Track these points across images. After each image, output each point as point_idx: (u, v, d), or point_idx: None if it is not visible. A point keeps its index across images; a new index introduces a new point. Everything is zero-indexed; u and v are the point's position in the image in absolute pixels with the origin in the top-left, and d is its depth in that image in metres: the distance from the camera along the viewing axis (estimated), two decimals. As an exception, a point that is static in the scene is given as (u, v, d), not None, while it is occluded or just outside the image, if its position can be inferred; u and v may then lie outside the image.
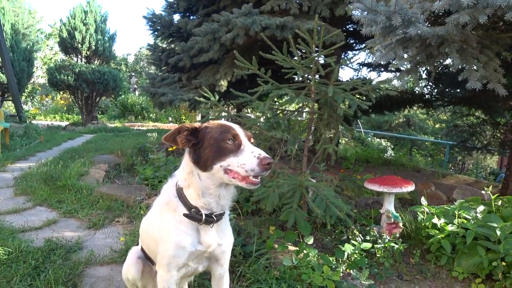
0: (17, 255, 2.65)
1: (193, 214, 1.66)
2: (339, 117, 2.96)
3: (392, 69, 7.75)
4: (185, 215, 1.67)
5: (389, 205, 3.32)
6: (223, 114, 4.11)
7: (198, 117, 18.01)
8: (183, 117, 19.56)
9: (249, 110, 15.44)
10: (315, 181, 3.14)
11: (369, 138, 15.42)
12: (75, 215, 3.74)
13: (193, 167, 1.64)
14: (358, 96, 3.30)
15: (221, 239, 1.77)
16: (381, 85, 3.08)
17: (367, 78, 6.69)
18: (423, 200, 3.33)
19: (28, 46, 15.28)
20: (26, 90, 18.40)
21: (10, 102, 14.66)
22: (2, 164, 5.87)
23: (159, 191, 4.03)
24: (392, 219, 3.24)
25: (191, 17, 8.00)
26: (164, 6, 8.45)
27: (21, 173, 5.26)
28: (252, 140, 1.66)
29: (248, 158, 1.52)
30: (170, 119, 19.77)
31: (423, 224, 3.09)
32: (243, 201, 3.31)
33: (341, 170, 5.83)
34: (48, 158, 6.25)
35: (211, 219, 1.67)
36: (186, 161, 1.69)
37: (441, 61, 4.03)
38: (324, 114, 2.90)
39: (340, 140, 3.21)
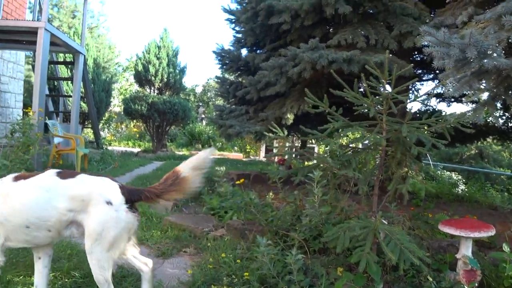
0: (91, 279, 2.76)
1: None
2: (412, 155, 2.86)
3: (463, 99, 7.40)
4: None
5: (466, 250, 3.10)
6: (287, 144, 4.13)
7: (263, 147, 18.22)
8: (248, 147, 19.88)
9: (313, 141, 15.41)
10: (386, 222, 3.03)
11: (439, 172, 14.62)
12: (145, 243, 3.85)
13: None
14: (427, 128, 3.18)
15: None
16: (458, 121, 2.93)
17: (442, 113, 6.42)
18: (505, 246, 3.07)
19: (107, 78, 16.48)
20: (103, 118, 19.74)
21: (90, 129, 15.79)
22: (81, 189, 6.26)
23: (224, 223, 4.09)
24: (470, 266, 3.02)
25: (258, 52, 8.22)
26: (232, 41, 8.80)
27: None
28: None
29: None
30: (235, 148, 20.18)
31: (505, 274, 2.85)
32: (310, 239, 3.26)
33: (411, 208, 5.56)
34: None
35: None
36: None
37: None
38: (397, 152, 2.82)
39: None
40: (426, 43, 2.95)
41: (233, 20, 8.33)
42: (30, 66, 16.44)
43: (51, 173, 2.25)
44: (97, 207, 2.10)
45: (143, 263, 2.47)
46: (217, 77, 9.71)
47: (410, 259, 2.37)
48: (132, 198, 2.22)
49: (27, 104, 10.69)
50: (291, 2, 5.98)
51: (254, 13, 6.77)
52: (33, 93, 7.37)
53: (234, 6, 8.26)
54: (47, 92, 10.30)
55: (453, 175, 14.49)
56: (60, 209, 2.10)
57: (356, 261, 2.50)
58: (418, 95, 3.17)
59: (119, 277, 2.90)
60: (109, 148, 13.86)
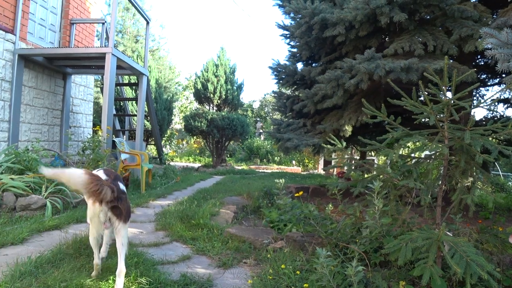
0: (156, 286, 2.90)
1: None
2: (478, 164, 2.74)
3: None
4: None
5: (543, 265, 2.89)
6: (346, 156, 4.08)
7: (321, 161, 18.05)
8: (306, 160, 19.81)
9: (372, 153, 15.04)
10: (451, 234, 2.91)
11: (510, 183, 13.61)
12: (206, 253, 3.94)
13: None
14: (493, 135, 3.01)
15: None
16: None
17: (510, 119, 6.05)
18: None
19: (169, 97, 17.21)
20: (165, 135, 20.59)
21: (153, 145, 16.53)
22: (146, 201, 6.57)
23: (283, 235, 4.10)
24: (548, 282, 2.81)
25: (314, 65, 8.26)
26: (287, 56, 8.92)
27: (161, 209, 5.79)
28: None
29: None
30: (293, 162, 20.17)
31: None
32: (371, 251, 3.19)
33: (479, 221, 5.25)
34: (183, 197, 6.82)
35: None
36: None
37: None
38: (461, 161, 2.71)
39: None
40: (488, 46, 2.82)
41: (288, 35, 8.45)
42: (98, 89, 17.64)
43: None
44: None
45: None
46: (273, 92, 9.85)
47: (477, 273, 2.26)
48: None
49: (96, 124, 11.46)
50: (344, 13, 5.98)
51: (308, 27, 6.83)
52: (101, 113, 7.89)
53: (288, 22, 8.40)
54: (114, 112, 11.00)
55: (527, 186, 13.43)
56: None
57: (419, 274, 2.42)
58: (482, 101, 3.02)
59: (182, 285, 3.00)
60: (171, 163, 14.42)
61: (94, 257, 2.99)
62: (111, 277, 2.93)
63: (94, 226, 2.86)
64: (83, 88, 10.77)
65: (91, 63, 9.05)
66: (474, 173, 2.99)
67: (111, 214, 2.76)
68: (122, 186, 3.00)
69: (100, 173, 3.07)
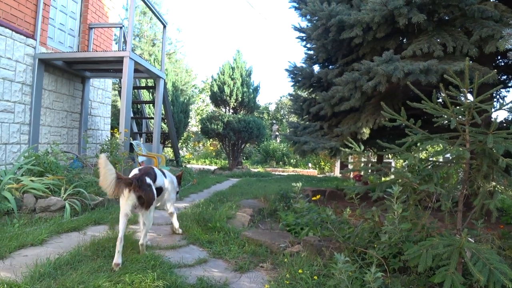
0: (174, 289, 2.91)
1: None
2: (500, 168, 2.66)
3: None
4: None
5: None
6: (363, 159, 4.02)
7: (337, 163, 17.93)
8: (322, 163, 19.70)
9: (389, 156, 14.86)
10: (473, 241, 2.83)
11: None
12: (223, 257, 3.93)
13: None
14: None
15: None
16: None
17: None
18: None
19: (185, 100, 17.32)
20: (182, 138, 20.73)
21: (170, 148, 16.65)
22: (163, 203, 6.61)
23: (300, 239, 4.06)
24: None
25: (331, 67, 8.20)
26: (304, 59, 8.88)
27: (178, 212, 5.76)
28: None
29: None
30: (309, 165, 20.09)
31: None
32: (389, 257, 3.13)
33: (501, 226, 5.11)
34: (200, 200, 6.82)
35: None
36: None
37: None
38: (483, 165, 2.64)
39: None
40: (510, 47, 2.76)
41: (304, 38, 8.41)
42: (116, 92, 17.88)
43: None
44: None
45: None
46: (290, 94, 9.82)
47: (501, 281, 2.19)
48: None
49: (113, 127, 11.60)
50: (362, 15, 5.91)
51: (325, 29, 6.79)
52: (119, 116, 7.98)
53: (304, 24, 8.35)
54: (131, 115, 11.11)
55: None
56: None
57: (439, 281, 2.36)
58: (504, 103, 2.93)
59: (199, 289, 3.00)
60: (188, 165, 14.47)
61: (118, 233, 3.38)
62: (127, 278, 2.94)
63: (122, 207, 3.46)
64: (101, 91, 10.92)
65: (109, 67, 9.16)
66: (496, 178, 2.91)
67: (137, 202, 3.43)
68: (148, 180, 3.58)
69: (135, 170, 3.83)
